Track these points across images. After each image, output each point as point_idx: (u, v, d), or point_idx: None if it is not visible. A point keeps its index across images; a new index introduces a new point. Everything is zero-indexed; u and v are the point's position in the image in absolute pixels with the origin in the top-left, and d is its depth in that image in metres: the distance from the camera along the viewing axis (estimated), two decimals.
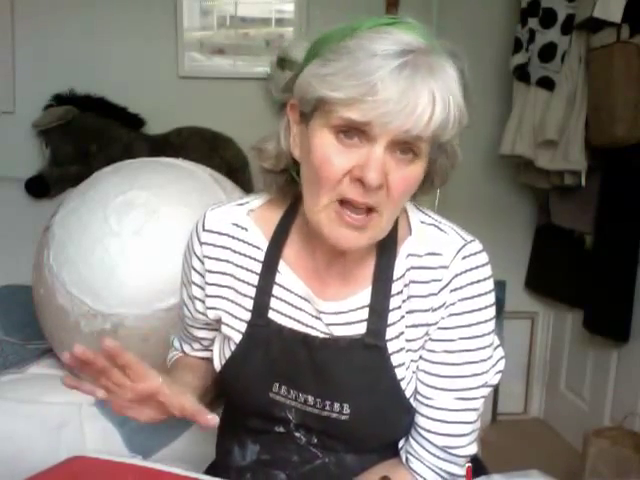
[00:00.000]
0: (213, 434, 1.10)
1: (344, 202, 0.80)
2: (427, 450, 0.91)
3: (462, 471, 0.92)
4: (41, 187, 2.50)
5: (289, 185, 0.92)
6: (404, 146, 0.78)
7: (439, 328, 0.89)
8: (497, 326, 0.97)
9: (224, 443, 1.03)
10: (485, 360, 0.90)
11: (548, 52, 2.41)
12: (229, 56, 2.73)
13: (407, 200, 0.85)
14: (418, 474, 0.91)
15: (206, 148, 2.45)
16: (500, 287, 2.87)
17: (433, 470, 0.91)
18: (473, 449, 0.92)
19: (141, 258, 1.46)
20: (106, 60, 2.66)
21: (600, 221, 2.38)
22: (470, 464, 0.92)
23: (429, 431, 0.90)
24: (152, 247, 1.46)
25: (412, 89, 0.74)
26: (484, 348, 0.90)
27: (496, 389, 2.57)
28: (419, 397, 0.91)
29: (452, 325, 0.88)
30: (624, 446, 2.00)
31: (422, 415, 0.91)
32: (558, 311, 2.85)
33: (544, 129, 2.40)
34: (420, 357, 0.91)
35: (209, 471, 1.07)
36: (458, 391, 0.89)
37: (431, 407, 0.90)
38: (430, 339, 0.89)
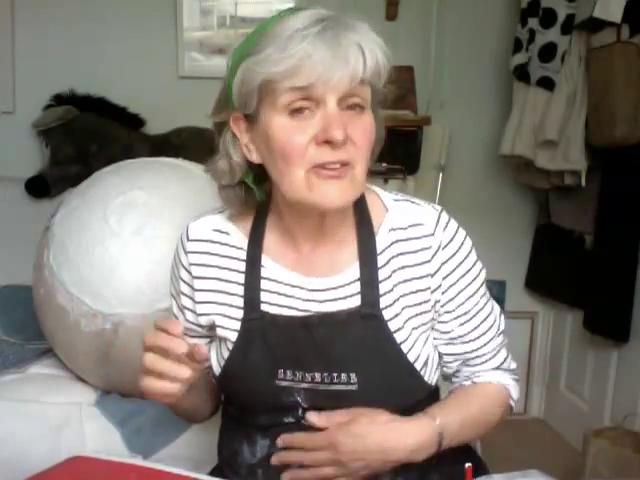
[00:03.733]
0: (214, 434, 1.10)
1: (318, 166, 0.85)
2: (489, 377, 1.03)
3: (517, 387, 1.06)
4: (41, 187, 2.49)
5: (249, 196, 0.97)
6: (350, 101, 0.85)
7: (459, 292, 0.97)
8: None
9: (230, 445, 1.03)
10: (489, 298, 1.03)
11: (548, 52, 2.41)
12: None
13: (371, 151, 0.90)
14: (492, 381, 1.03)
15: (206, 148, 2.44)
16: (500, 287, 2.87)
17: (499, 382, 1.04)
18: (514, 363, 1.07)
19: (141, 258, 1.46)
20: (106, 60, 2.66)
21: (600, 221, 2.37)
22: (470, 464, 0.92)
23: (488, 370, 1.03)
24: (152, 247, 1.46)
25: (340, 45, 0.81)
26: (486, 292, 1.03)
27: None
28: (468, 355, 1.00)
29: (464, 285, 0.97)
30: (624, 446, 2.00)
31: (478, 365, 1.02)
32: (558, 311, 2.85)
33: (544, 129, 2.40)
34: (446, 322, 0.98)
35: (213, 475, 1.05)
36: (491, 329, 1.02)
37: (482, 355, 1.01)
38: (450, 300, 0.97)
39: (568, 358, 2.76)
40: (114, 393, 1.53)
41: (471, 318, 0.99)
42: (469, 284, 0.98)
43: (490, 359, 1.02)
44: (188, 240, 1.00)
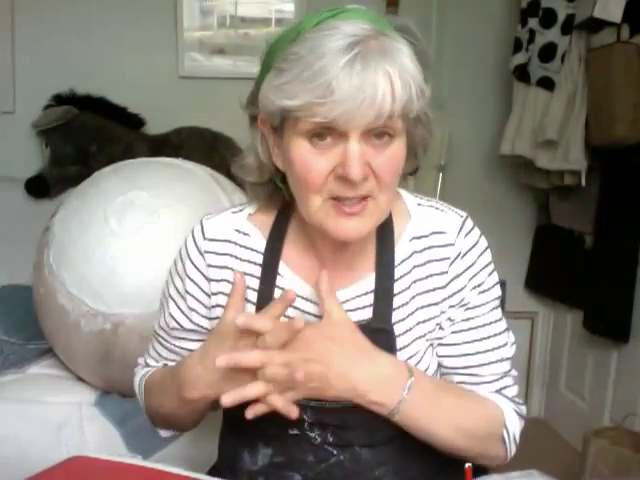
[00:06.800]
0: (214, 434, 1.09)
1: (336, 199, 0.82)
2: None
3: (521, 424, 0.97)
4: (41, 187, 2.49)
5: (276, 193, 0.93)
6: (377, 131, 0.80)
7: (468, 308, 0.93)
8: None
9: (231, 447, 1.00)
10: (501, 319, 0.98)
11: (548, 52, 2.40)
12: (229, 56, 2.73)
13: (398, 178, 0.87)
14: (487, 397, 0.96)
15: (206, 148, 2.45)
16: (500, 287, 2.86)
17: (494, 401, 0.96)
18: (522, 401, 0.98)
19: (141, 258, 1.46)
20: (106, 60, 2.65)
21: (600, 221, 2.37)
22: (470, 464, 0.91)
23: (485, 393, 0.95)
24: (152, 247, 1.46)
25: (367, 80, 0.75)
26: (498, 307, 0.97)
27: None
28: (468, 371, 0.94)
29: (484, 301, 0.94)
30: (624, 446, 2.00)
31: (474, 384, 0.94)
32: (558, 311, 2.85)
33: (544, 129, 2.39)
34: (454, 336, 0.93)
35: (211, 474, 1.03)
36: (497, 350, 0.95)
37: (481, 375, 0.94)
38: (467, 307, 0.93)
39: (568, 358, 2.76)
40: (114, 393, 1.53)
41: (476, 328, 0.94)
42: (480, 294, 0.94)
43: (489, 382, 0.95)
44: (205, 239, 0.95)
